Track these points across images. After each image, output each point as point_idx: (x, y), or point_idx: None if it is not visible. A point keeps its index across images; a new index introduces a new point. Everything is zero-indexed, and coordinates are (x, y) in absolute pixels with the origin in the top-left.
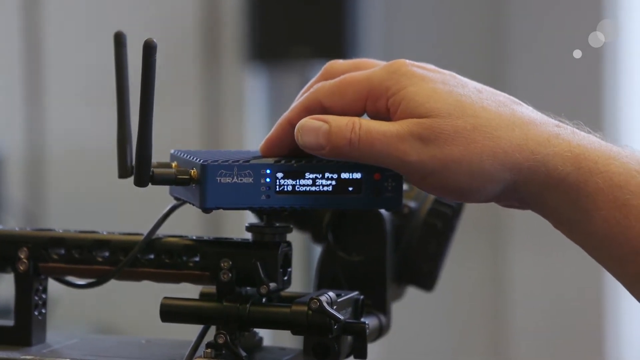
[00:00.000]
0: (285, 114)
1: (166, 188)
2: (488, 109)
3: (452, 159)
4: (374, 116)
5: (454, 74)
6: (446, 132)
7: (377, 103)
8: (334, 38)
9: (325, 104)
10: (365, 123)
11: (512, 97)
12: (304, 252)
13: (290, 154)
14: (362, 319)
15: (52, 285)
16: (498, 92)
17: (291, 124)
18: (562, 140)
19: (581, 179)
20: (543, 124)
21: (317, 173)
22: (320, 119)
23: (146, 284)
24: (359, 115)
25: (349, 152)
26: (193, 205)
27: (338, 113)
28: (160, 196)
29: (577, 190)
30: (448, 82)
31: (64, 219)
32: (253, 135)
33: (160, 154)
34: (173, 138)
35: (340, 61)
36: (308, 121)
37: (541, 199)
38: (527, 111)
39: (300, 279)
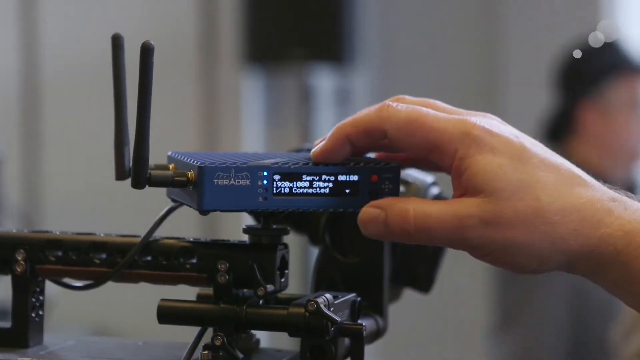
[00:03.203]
0: (345, 126)
1: (163, 190)
2: (549, 189)
3: (513, 243)
4: (434, 166)
5: (521, 135)
6: (507, 216)
7: (442, 158)
8: (330, 41)
9: (389, 136)
10: (421, 209)
11: (572, 168)
12: (301, 254)
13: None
14: (359, 321)
15: (49, 287)
16: (561, 160)
17: (349, 139)
18: (615, 218)
19: (632, 255)
20: (598, 200)
21: (314, 175)
22: (377, 206)
23: (143, 285)
24: (419, 158)
25: (407, 239)
26: (190, 207)
27: (399, 149)
28: (157, 198)
29: (630, 267)
30: (514, 155)
31: (61, 221)
32: (250, 136)
33: (156, 156)
34: (170, 140)
35: (409, 98)
36: (366, 212)
37: (598, 275)
38: (584, 189)
39: (297, 281)
